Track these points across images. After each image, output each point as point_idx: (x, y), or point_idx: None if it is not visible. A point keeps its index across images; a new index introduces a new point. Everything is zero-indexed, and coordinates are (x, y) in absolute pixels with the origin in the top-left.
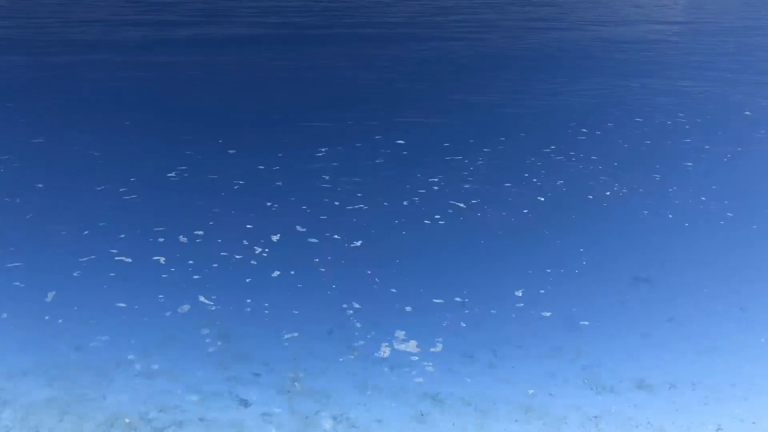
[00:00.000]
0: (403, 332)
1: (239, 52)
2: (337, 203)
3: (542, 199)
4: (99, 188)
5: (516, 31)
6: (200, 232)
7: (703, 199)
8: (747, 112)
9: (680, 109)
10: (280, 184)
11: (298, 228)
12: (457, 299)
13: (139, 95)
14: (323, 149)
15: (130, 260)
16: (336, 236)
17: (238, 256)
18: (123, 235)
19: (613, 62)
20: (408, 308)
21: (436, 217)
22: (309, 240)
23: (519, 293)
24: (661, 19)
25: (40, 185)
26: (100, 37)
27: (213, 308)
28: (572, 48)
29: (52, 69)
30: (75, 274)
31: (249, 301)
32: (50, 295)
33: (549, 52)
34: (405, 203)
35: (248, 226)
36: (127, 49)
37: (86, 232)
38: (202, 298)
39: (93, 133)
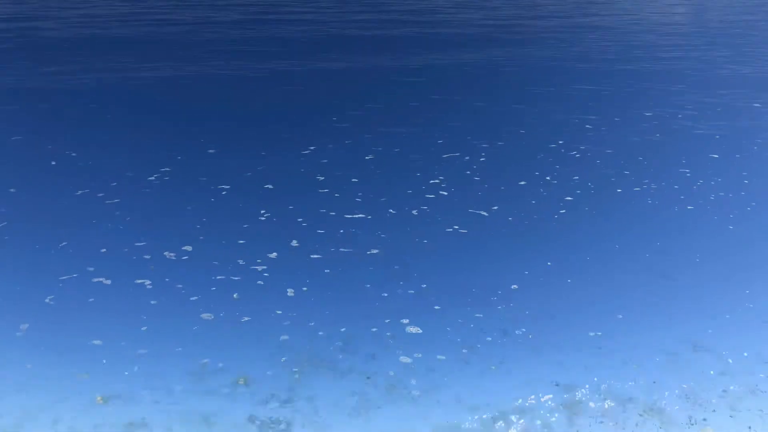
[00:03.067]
0: None
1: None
2: (333, 213)
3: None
4: (78, 193)
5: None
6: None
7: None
8: (756, 104)
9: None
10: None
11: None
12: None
13: (119, 95)
14: (312, 147)
15: (109, 282)
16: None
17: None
18: (104, 250)
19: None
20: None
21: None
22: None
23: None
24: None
25: (13, 190)
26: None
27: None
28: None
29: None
30: (48, 300)
31: None
32: (23, 327)
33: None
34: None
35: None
36: (111, 49)
37: (64, 243)
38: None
39: (72, 132)
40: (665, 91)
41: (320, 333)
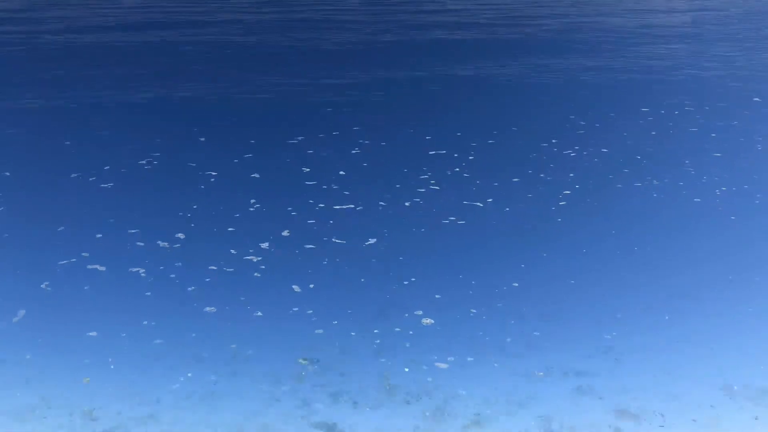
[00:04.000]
0: None
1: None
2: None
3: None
4: (72, 176)
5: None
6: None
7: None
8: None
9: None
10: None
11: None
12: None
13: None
14: (299, 137)
15: (104, 268)
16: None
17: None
18: (100, 235)
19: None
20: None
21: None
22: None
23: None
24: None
25: (8, 173)
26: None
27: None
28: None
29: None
30: (44, 285)
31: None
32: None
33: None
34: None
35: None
36: (103, 33)
37: (61, 228)
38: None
39: (65, 122)
40: (662, 87)
41: (335, 322)
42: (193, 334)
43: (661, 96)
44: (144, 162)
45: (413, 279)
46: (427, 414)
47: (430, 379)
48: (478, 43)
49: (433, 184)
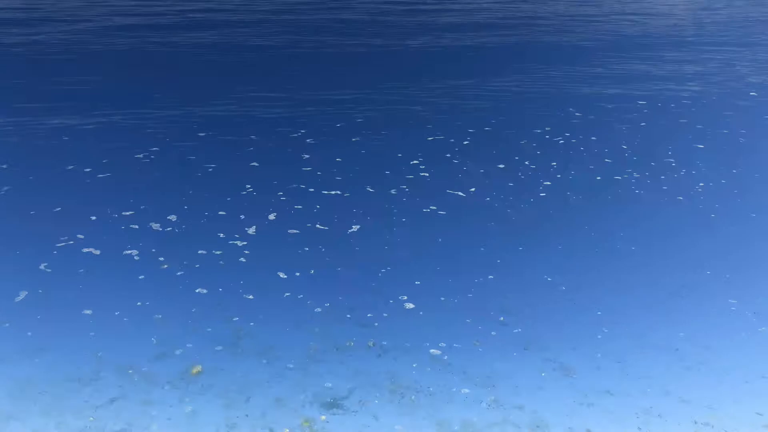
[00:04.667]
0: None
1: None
2: (311, 189)
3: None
4: (68, 168)
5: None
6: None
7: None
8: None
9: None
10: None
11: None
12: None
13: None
14: (302, 130)
15: (98, 252)
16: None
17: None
18: (94, 217)
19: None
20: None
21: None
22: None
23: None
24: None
25: (4, 166)
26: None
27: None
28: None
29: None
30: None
31: None
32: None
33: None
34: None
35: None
36: (102, 27)
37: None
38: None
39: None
40: (658, 82)
41: (328, 305)
42: (193, 309)
43: (658, 92)
44: (141, 156)
45: (388, 268)
46: (427, 403)
47: (427, 367)
48: (481, 43)
49: (423, 170)
